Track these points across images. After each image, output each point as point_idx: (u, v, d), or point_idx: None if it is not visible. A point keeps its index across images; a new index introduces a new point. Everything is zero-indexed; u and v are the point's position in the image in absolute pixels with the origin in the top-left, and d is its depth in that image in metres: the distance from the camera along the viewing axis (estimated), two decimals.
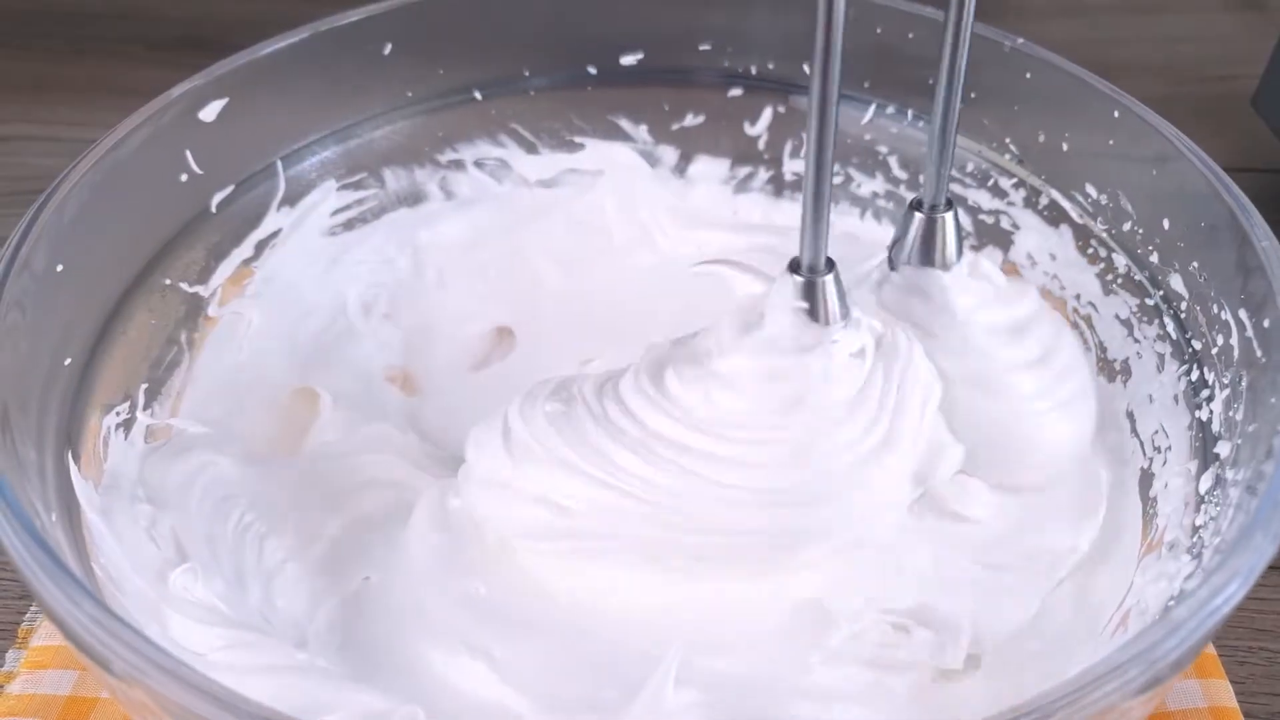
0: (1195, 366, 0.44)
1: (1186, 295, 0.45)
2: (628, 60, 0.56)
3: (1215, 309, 0.43)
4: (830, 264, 0.40)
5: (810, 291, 0.40)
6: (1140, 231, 0.47)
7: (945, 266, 0.44)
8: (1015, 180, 0.52)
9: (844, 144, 0.56)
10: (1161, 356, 0.46)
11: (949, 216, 0.43)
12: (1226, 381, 0.42)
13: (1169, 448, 0.44)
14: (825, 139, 0.36)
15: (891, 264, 0.45)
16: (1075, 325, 0.51)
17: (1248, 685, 0.46)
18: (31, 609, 0.47)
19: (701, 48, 0.56)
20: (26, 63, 0.78)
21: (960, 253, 0.44)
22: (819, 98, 0.36)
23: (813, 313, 0.40)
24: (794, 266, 0.40)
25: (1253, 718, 0.44)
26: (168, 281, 0.48)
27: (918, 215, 0.43)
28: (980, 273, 0.45)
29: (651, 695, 0.39)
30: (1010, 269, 0.54)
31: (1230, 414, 0.41)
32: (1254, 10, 0.84)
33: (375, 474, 0.48)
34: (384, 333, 0.54)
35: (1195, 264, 0.44)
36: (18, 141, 0.72)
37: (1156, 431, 0.45)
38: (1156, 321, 0.47)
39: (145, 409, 0.46)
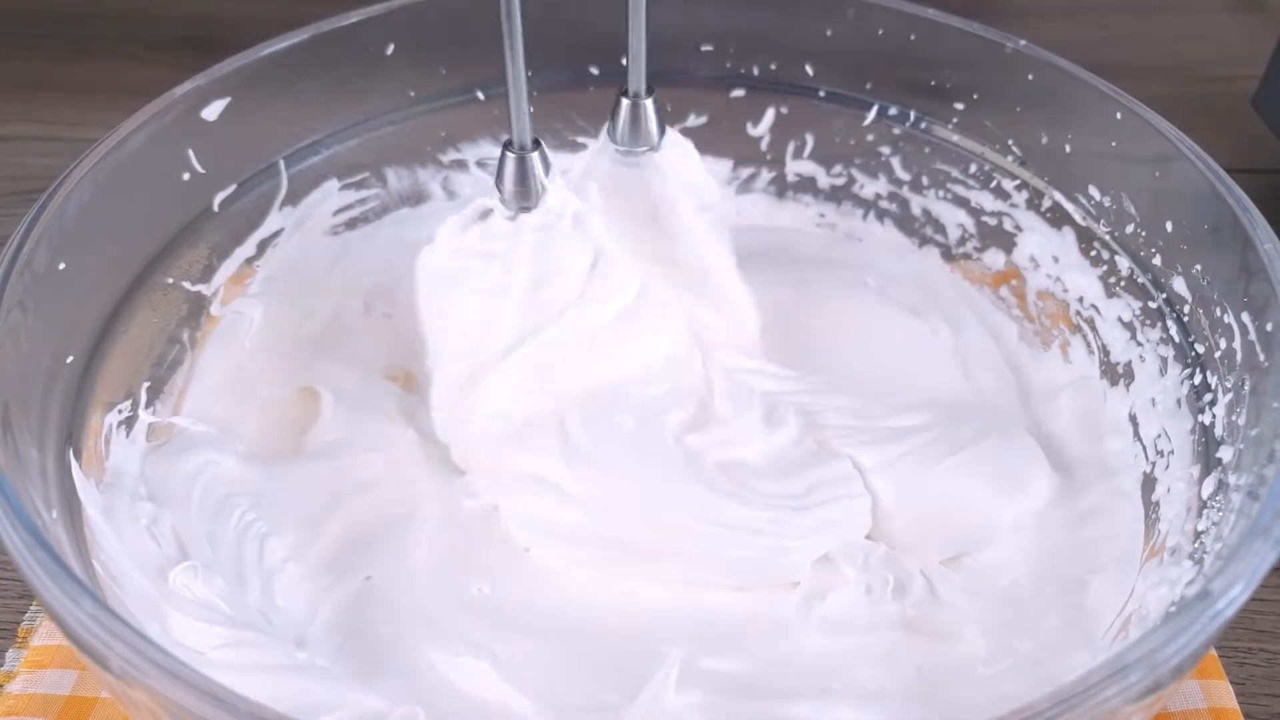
0: (1198, 370, 0.44)
1: (1189, 298, 0.45)
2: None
3: (1218, 312, 0.43)
4: (537, 143, 0.44)
5: (521, 166, 0.44)
6: (1143, 234, 0.47)
7: (649, 145, 0.48)
8: (1018, 182, 0.52)
9: (847, 146, 0.56)
10: (1164, 360, 0.46)
11: (649, 102, 0.48)
12: (1229, 385, 0.42)
13: (1171, 452, 0.44)
14: (514, 33, 0.41)
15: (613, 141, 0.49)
16: (1078, 328, 0.51)
17: (1248, 686, 0.46)
18: (32, 608, 0.47)
19: (704, 49, 0.56)
20: (26, 63, 0.78)
21: (661, 133, 0.48)
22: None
23: (525, 184, 0.45)
24: (507, 145, 0.44)
25: (1252, 719, 0.44)
26: (170, 280, 0.48)
27: (624, 101, 0.48)
28: (682, 151, 0.49)
29: (653, 696, 0.39)
30: (1012, 272, 0.54)
31: (1233, 418, 0.41)
32: (1254, 10, 0.84)
33: (376, 473, 0.48)
34: (386, 332, 0.54)
35: (1198, 267, 0.44)
36: (18, 141, 0.72)
37: (1159, 436, 0.45)
38: (1159, 325, 0.47)
39: (147, 407, 0.46)
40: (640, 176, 0.48)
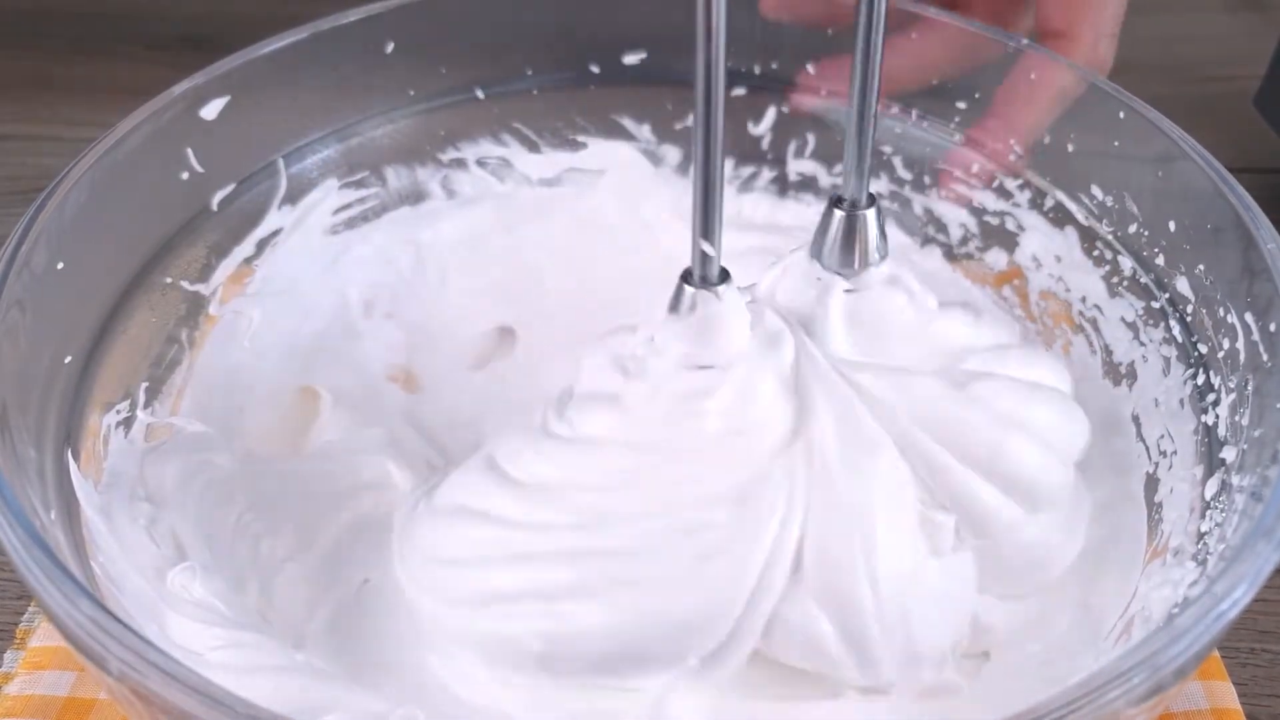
0: (1201, 370, 0.44)
1: (1192, 298, 0.45)
2: (630, 59, 0.56)
3: (1221, 312, 0.43)
4: (725, 274, 0.38)
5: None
6: (1146, 234, 0.47)
7: (865, 266, 0.41)
8: (1020, 181, 0.52)
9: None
10: (1167, 360, 0.46)
11: (870, 214, 0.41)
12: (1232, 386, 0.41)
13: (1174, 453, 0.44)
14: (713, 151, 0.35)
15: (818, 259, 0.42)
16: (1080, 329, 0.51)
17: (1250, 687, 0.45)
18: (30, 609, 0.47)
19: None
20: (26, 63, 0.78)
21: (883, 253, 0.41)
22: (704, 107, 0.35)
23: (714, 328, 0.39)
24: (686, 277, 0.38)
25: None
26: (168, 280, 0.48)
27: (837, 213, 0.41)
28: (900, 284, 0.42)
29: (654, 697, 0.39)
30: (1015, 272, 0.54)
31: (1236, 418, 0.41)
32: (1254, 10, 0.84)
33: (376, 474, 0.48)
34: (385, 332, 0.54)
35: (1201, 266, 0.44)
36: (18, 141, 0.72)
37: (1162, 436, 0.45)
38: (1162, 325, 0.46)
39: (145, 407, 0.46)
40: (864, 303, 0.41)
